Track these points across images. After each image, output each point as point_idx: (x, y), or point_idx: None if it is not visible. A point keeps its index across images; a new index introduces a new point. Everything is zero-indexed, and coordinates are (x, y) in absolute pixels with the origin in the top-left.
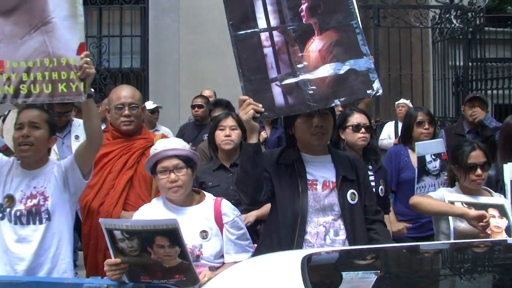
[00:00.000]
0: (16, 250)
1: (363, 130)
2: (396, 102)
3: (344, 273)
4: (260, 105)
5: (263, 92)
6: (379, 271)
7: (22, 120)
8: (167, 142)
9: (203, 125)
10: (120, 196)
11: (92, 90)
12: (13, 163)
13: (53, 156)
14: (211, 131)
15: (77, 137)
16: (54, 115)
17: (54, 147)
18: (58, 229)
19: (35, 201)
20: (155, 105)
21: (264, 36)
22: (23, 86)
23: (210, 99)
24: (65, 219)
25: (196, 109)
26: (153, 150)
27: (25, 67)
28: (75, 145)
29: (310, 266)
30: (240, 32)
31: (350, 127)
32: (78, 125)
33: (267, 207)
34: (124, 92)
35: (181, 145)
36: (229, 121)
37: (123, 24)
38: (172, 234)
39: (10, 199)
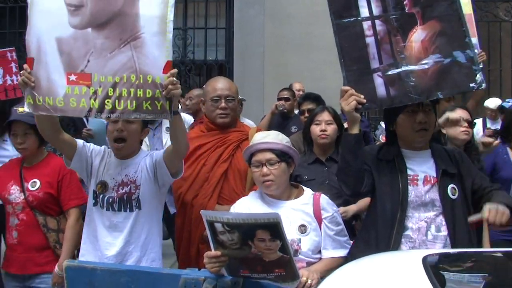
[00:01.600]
0: (107, 236)
1: (465, 124)
2: (486, 104)
3: (466, 275)
4: (362, 96)
5: (365, 83)
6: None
7: None
8: (263, 135)
9: (289, 117)
10: (214, 189)
11: (180, 107)
12: (105, 151)
13: (143, 147)
14: (306, 125)
15: (167, 129)
16: None
17: (146, 139)
18: (148, 218)
19: (126, 188)
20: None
21: (366, 25)
22: (108, 101)
23: (300, 92)
24: (154, 209)
25: (283, 102)
26: (250, 143)
27: (111, 82)
28: (165, 137)
29: (432, 267)
30: (342, 21)
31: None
32: None
33: (364, 202)
34: (221, 84)
35: (277, 139)
36: (325, 116)
37: (208, 16)
38: (274, 228)
39: (103, 185)
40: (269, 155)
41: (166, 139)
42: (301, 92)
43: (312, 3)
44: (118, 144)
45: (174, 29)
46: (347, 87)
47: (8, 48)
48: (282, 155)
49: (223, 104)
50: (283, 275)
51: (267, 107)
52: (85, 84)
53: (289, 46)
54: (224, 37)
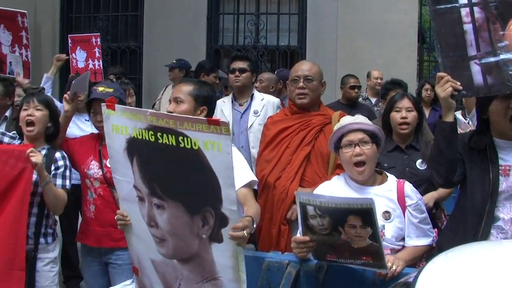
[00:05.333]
0: None
1: None
2: None
3: None
4: (458, 83)
5: (461, 70)
6: None
7: (171, 96)
8: (352, 118)
9: (353, 105)
10: (297, 172)
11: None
12: None
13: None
14: (386, 112)
15: (256, 112)
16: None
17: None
18: None
19: None
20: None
21: (464, 11)
22: None
23: (378, 80)
24: None
25: (356, 90)
26: (337, 126)
27: None
28: (252, 120)
29: None
30: (440, 6)
31: None
32: (261, 99)
33: (444, 190)
34: (302, 66)
35: (367, 121)
36: (405, 103)
37: (281, 2)
38: (366, 214)
39: None
40: (362, 135)
41: (253, 122)
42: (379, 80)
43: None
44: None
45: (246, 14)
46: (443, 73)
47: (93, 33)
48: (374, 136)
49: (301, 84)
50: (370, 263)
51: (339, 94)
52: None
53: (362, 33)
54: (297, 23)
